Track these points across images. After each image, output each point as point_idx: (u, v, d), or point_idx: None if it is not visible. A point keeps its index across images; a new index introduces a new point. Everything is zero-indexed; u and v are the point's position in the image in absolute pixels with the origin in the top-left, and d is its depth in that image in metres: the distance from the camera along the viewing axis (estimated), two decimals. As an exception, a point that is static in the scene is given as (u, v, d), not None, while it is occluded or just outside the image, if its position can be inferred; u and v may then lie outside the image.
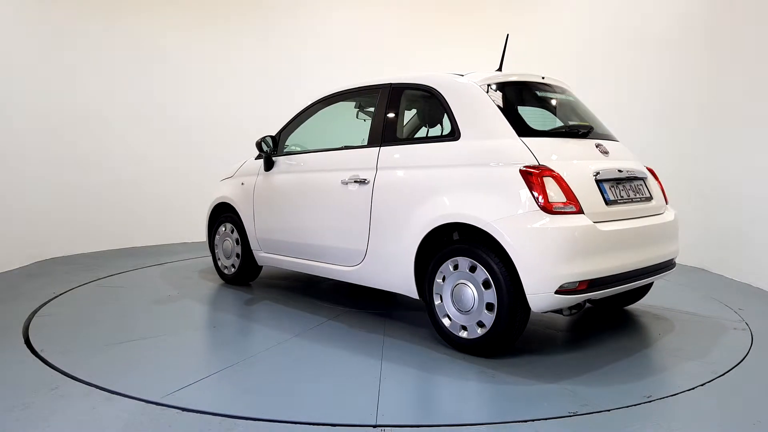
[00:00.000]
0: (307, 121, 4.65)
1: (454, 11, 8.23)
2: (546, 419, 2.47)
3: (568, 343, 3.58)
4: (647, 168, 3.86)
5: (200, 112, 7.53)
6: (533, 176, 3.04)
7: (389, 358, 3.22)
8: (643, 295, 4.17)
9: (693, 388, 2.83)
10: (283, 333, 3.70)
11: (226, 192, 5.13)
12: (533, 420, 2.46)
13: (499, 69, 3.93)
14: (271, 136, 4.69)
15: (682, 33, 6.03)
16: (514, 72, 3.76)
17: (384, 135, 3.85)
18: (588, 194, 3.17)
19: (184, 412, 2.51)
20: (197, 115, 7.51)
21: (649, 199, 3.64)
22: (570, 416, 2.49)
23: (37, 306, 4.28)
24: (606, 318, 4.06)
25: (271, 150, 4.67)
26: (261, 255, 4.80)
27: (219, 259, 5.26)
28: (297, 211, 4.35)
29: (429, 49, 8.03)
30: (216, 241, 5.28)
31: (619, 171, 3.44)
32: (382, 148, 3.81)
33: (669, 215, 3.76)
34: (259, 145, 4.66)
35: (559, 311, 3.25)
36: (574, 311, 3.34)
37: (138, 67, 7.14)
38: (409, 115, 4.19)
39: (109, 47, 6.93)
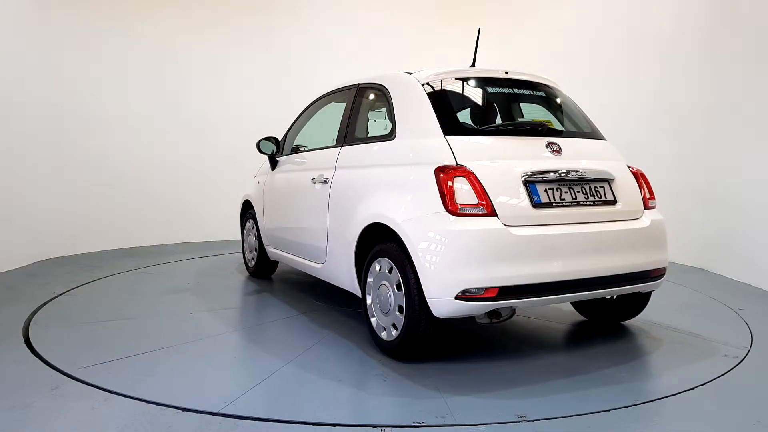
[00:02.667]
0: (304, 122, 4.81)
1: (455, 12, 8.23)
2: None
3: (510, 354, 3.33)
4: (633, 170, 3.53)
5: (202, 112, 7.52)
6: (443, 176, 2.92)
7: (306, 356, 3.25)
8: (640, 310, 3.79)
9: (693, 388, 2.83)
10: (227, 326, 3.85)
11: (249, 190, 5.44)
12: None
13: (473, 64, 3.88)
14: (274, 138, 4.85)
15: (682, 33, 6.03)
16: (471, 68, 3.66)
17: (346, 135, 3.90)
18: (509, 196, 2.96)
19: (184, 412, 2.51)
20: (199, 116, 7.51)
21: (611, 203, 3.26)
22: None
23: (37, 306, 4.28)
24: (592, 331, 3.77)
25: (274, 150, 4.84)
26: (269, 250, 5.02)
27: (245, 252, 5.60)
28: (286, 209, 4.54)
29: (431, 49, 8.03)
30: (243, 236, 5.63)
31: (562, 172, 3.13)
32: (342, 147, 3.87)
33: (643, 221, 3.34)
34: (257, 146, 4.80)
35: (472, 318, 3.01)
36: (494, 320, 3.04)
37: (138, 68, 7.14)
38: (373, 115, 4.18)
39: (110, 47, 6.92)
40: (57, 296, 4.60)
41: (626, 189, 3.38)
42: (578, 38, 7.33)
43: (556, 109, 3.76)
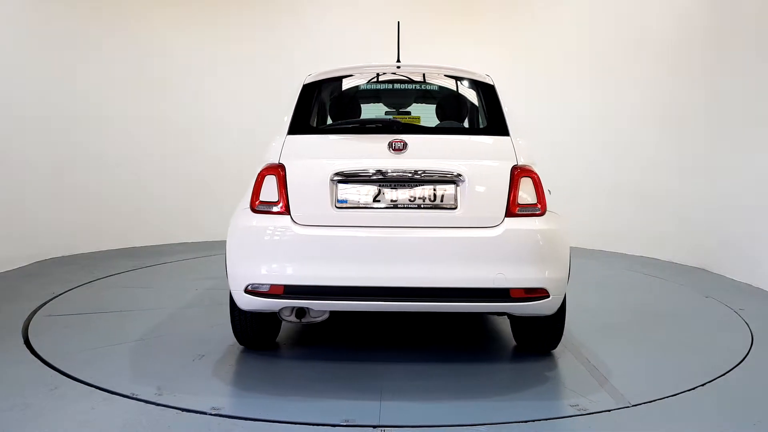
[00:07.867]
0: None
1: (452, 12, 8.21)
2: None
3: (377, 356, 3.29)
4: (519, 171, 2.97)
5: (200, 112, 7.52)
6: (259, 174, 3.03)
7: (197, 338, 3.55)
8: (550, 338, 3.24)
9: (693, 388, 2.83)
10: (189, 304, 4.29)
11: None
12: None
13: (397, 60, 3.98)
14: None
15: (683, 33, 6.03)
16: (358, 65, 3.73)
17: None
18: (310, 195, 2.95)
19: (184, 413, 2.52)
20: (197, 116, 7.50)
21: (449, 207, 2.92)
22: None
23: (36, 306, 4.28)
24: (495, 356, 3.45)
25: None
26: None
27: None
28: None
29: (429, 48, 8.02)
30: None
31: (383, 172, 2.93)
32: None
33: (495, 231, 2.86)
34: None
35: (275, 314, 3.06)
36: (302, 320, 2.98)
37: (138, 67, 7.13)
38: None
39: (108, 47, 6.92)
40: (56, 296, 4.60)
41: (481, 193, 2.96)
42: (578, 38, 7.32)
43: (443, 102, 3.80)
